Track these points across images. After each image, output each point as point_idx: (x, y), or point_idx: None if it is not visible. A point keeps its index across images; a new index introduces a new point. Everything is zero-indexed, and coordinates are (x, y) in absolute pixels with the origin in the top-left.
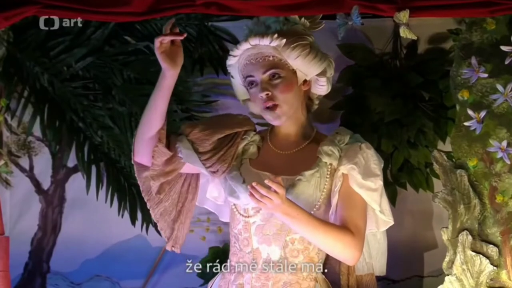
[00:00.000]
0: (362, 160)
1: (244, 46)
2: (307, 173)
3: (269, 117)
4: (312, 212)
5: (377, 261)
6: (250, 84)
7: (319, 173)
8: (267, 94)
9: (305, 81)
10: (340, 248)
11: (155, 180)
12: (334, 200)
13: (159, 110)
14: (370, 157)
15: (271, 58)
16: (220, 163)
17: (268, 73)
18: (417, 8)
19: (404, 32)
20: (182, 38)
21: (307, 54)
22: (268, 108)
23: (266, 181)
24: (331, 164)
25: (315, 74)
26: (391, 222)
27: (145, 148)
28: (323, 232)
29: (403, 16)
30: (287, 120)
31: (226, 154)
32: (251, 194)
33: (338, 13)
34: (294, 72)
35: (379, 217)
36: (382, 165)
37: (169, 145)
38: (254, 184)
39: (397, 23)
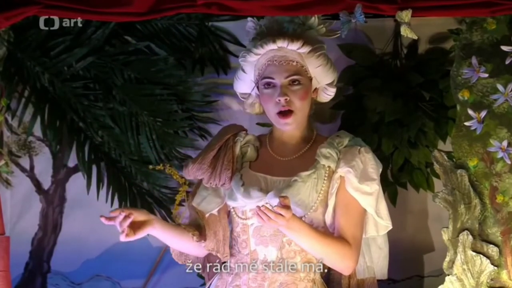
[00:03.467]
0: (359, 164)
1: (270, 46)
2: (303, 174)
3: (280, 122)
4: (308, 213)
5: (378, 265)
6: (266, 84)
7: (316, 174)
8: (286, 99)
9: (315, 89)
10: (336, 259)
11: (226, 254)
12: (331, 202)
13: (180, 244)
14: (368, 161)
15: (294, 64)
16: (223, 173)
17: (290, 78)
18: (417, 8)
19: (405, 31)
20: (130, 220)
21: (327, 63)
22: (281, 112)
23: (275, 207)
24: (329, 167)
25: (326, 83)
26: (390, 227)
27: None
28: (322, 245)
29: (405, 15)
30: (295, 127)
31: (225, 161)
32: (258, 215)
33: (342, 11)
34: (310, 79)
35: (378, 221)
36: (381, 170)
37: (207, 225)
38: (262, 208)
39: (398, 22)
